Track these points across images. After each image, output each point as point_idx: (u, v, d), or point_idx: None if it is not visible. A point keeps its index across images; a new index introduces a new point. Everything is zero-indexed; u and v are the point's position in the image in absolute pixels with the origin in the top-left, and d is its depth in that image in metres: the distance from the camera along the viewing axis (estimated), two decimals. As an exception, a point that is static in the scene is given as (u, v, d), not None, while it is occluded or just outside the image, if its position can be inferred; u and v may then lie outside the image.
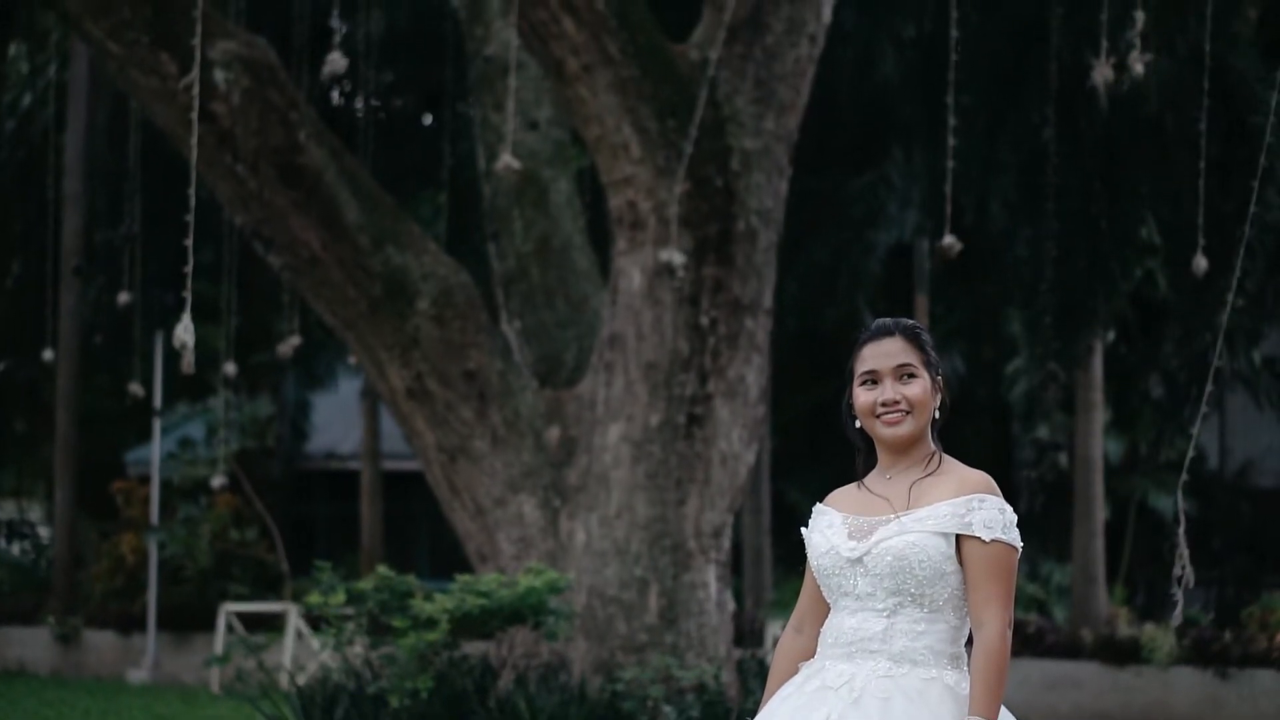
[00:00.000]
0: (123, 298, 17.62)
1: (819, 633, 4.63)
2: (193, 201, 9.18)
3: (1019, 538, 4.45)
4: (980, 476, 4.49)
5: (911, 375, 4.54)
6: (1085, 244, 16.98)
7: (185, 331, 8.91)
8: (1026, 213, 17.30)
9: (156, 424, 21.53)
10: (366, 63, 18.22)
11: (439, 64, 18.99)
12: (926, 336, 4.62)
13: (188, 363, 9.16)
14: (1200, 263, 10.40)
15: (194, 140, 9.75)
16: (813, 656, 4.63)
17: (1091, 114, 16.85)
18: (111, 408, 24.89)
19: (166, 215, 17.22)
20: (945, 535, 4.41)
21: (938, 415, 4.58)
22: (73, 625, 21.58)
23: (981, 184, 17.31)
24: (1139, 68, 10.43)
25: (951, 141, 11.59)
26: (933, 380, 4.56)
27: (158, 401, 20.83)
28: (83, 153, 21.72)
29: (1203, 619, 19.42)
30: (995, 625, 4.36)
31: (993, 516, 4.41)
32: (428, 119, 22.83)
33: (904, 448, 4.56)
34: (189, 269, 9.08)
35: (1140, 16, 10.46)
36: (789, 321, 19.96)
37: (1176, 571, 8.49)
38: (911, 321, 4.67)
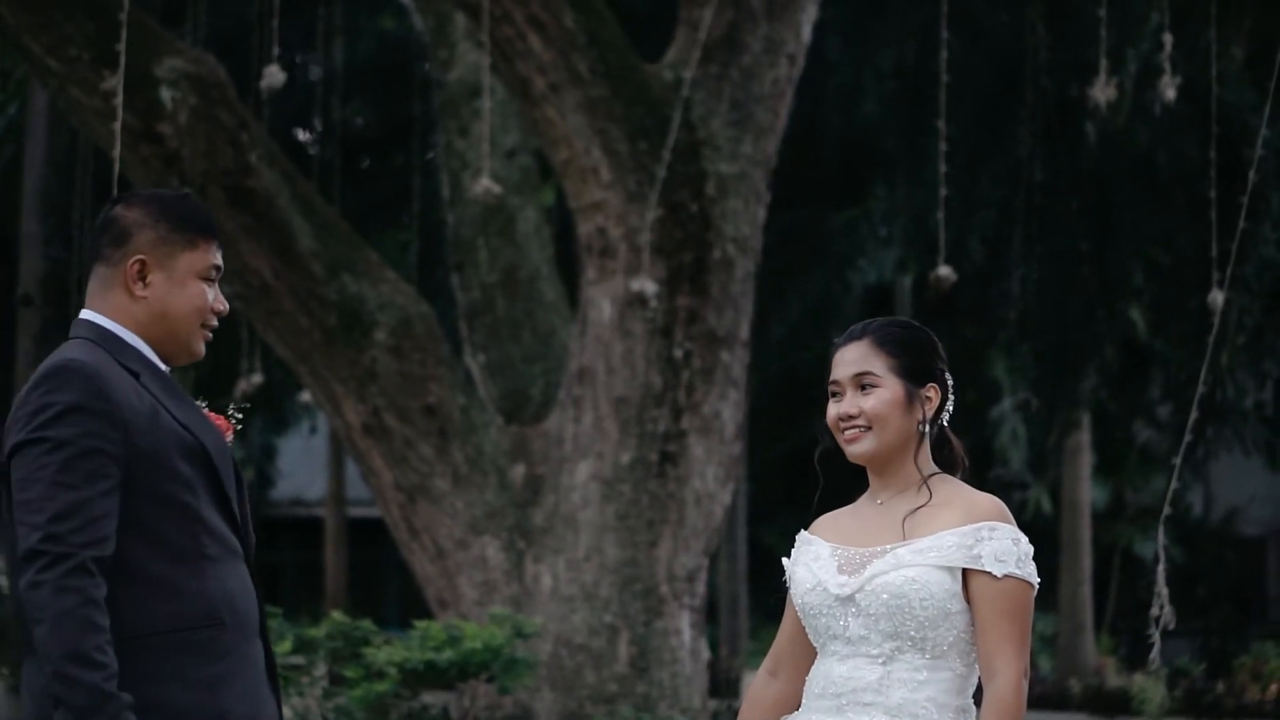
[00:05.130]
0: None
1: (796, 678, 4.06)
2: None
3: (1035, 573, 3.89)
4: (990, 501, 3.92)
5: (871, 385, 3.93)
6: (1072, 283, 16.61)
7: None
8: (1009, 250, 16.94)
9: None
10: (330, 94, 17.83)
11: (406, 98, 18.69)
12: (906, 336, 3.98)
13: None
14: (1217, 298, 9.91)
15: (116, 151, 9.23)
16: (788, 705, 4.06)
17: (1079, 148, 16.50)
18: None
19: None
20: (950, 569, 3.84)
21: (926, 430, 3.96)
22: (27, 676, 21.06)
23: (964, 219, 16.92)
24: (1170, 93, 10.00)
25: (943, 168, 11.14)
26: (905, 390, 3.93)
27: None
28: (40, 191, 21.35)
29: (1194, 669, 19.09)
30: (1009, 674, 3.81)
31: (1005, 548, 3.86)
32: (397, 154, 22.51)
33: (880, 467, 3.97)
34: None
35: (1169, 39, 10.01)
36: (771, 362, 19.62)
37: (1154, 611, 8.07)
38: (888, 320, 4.05)
